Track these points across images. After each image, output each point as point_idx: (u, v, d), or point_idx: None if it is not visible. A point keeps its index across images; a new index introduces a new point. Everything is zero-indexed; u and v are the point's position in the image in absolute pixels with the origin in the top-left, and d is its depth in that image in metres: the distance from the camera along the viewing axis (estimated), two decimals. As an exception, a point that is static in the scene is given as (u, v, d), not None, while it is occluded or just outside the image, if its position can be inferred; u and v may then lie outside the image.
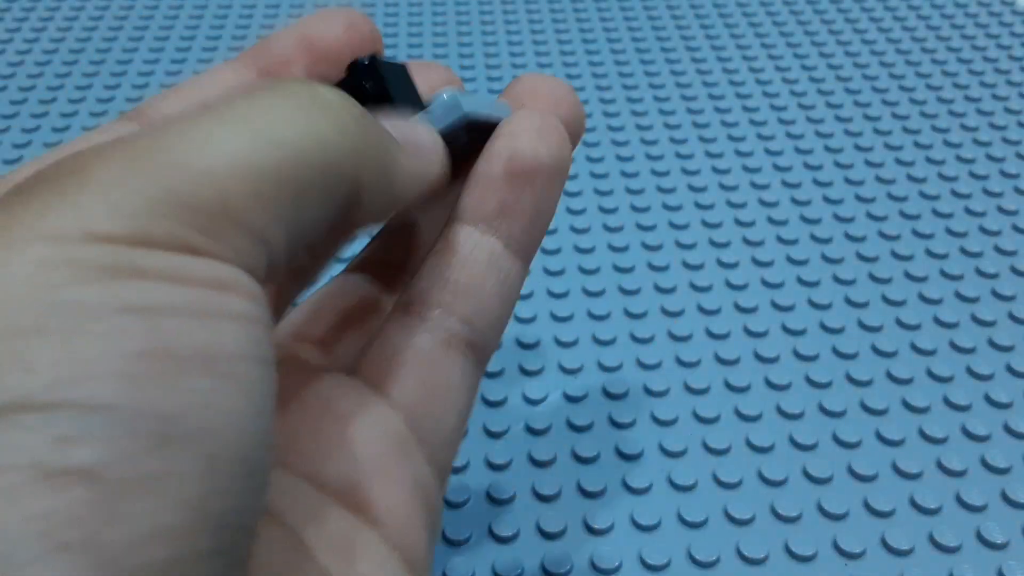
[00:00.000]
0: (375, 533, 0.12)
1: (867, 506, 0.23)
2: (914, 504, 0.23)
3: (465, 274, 0.14)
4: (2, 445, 0.08)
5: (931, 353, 0.28)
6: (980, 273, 0.31)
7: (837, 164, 0.36)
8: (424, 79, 0.15)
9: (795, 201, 0.34)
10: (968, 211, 0.33)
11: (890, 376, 0.27)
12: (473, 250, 0.14)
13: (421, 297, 0.14)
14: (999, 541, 0.23)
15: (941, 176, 0.35)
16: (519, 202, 0.14)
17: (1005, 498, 0.24)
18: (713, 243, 0.32)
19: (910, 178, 0.35)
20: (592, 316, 0.29)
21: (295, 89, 0.11)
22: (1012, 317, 0.29)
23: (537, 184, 0.14)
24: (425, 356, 0.13)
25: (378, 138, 0.12)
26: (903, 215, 0.33)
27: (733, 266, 0.31)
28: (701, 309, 0.29)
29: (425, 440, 0.13)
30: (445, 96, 0.14)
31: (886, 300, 0.30)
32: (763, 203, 0.34)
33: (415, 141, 0.13)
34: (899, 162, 0.36)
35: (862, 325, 0.29)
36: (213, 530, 0.08)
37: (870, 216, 0.33)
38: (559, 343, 0.28)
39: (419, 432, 0.13)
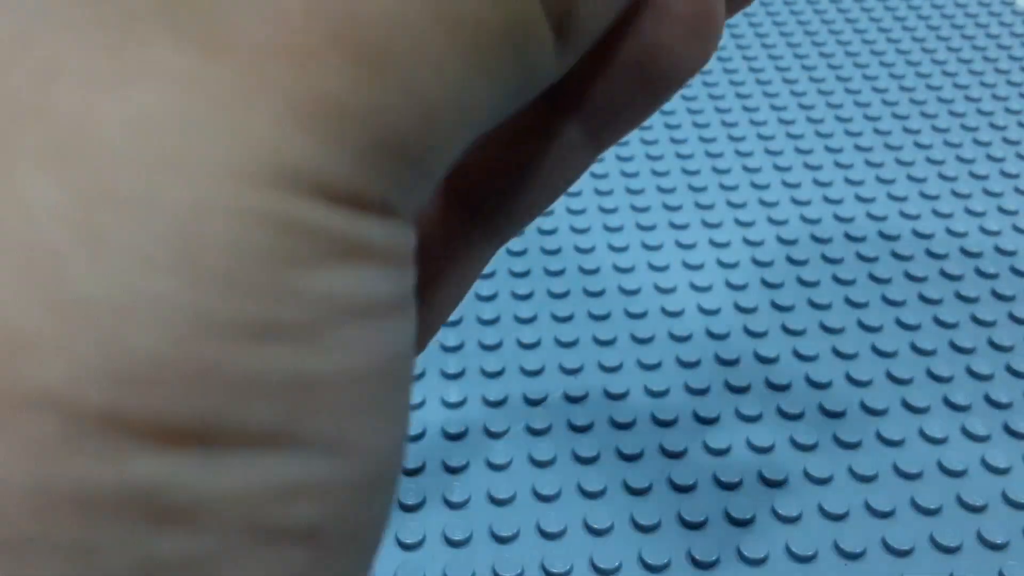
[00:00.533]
0: None
1: (867, 506, 0.23)
2: (914, 504, 0.23)
3: (545, 161, 0.12)
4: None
5: (931, 353, 0.28)
6: (980, 273, 0.31)
7: (837, 164, 0.36)
8: None
9: (795, 201, 0.34)
10: (968, 211, 0.33)
11: (890, 376, 0.27)
12: (559, 135, 0.12)
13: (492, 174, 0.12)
14: (1000, 542, 0.23)
15: (941, 176, 0.35)
16: (630, 108, 0.12)
17: (1005, 498, 0.24)
18: (713, 243, 0.32)
19: (910, 178, 0.35)
20: (592, 316, 0.29)
21: None
22: (1012, 317, 0.29)
23: (658, 94, 0.12)
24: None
25: None
26: (903, 215, 0.33)
27: (733, 266, 0.31)
28: (701, 309, 0.29)
29: None
30: None
31: (886, 300, 0.30)
32: (763, 203, 0.34)
33: None
34: (899, 162, 0.36)
35: (862, 325, 0.29)
36: None
37: (870, 216, 0.33)
38: (559, 343, 0.28)
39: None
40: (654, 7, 0.11)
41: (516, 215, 0.12)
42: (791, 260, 0.31)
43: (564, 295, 0.30)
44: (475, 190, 0.12)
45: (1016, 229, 0.33)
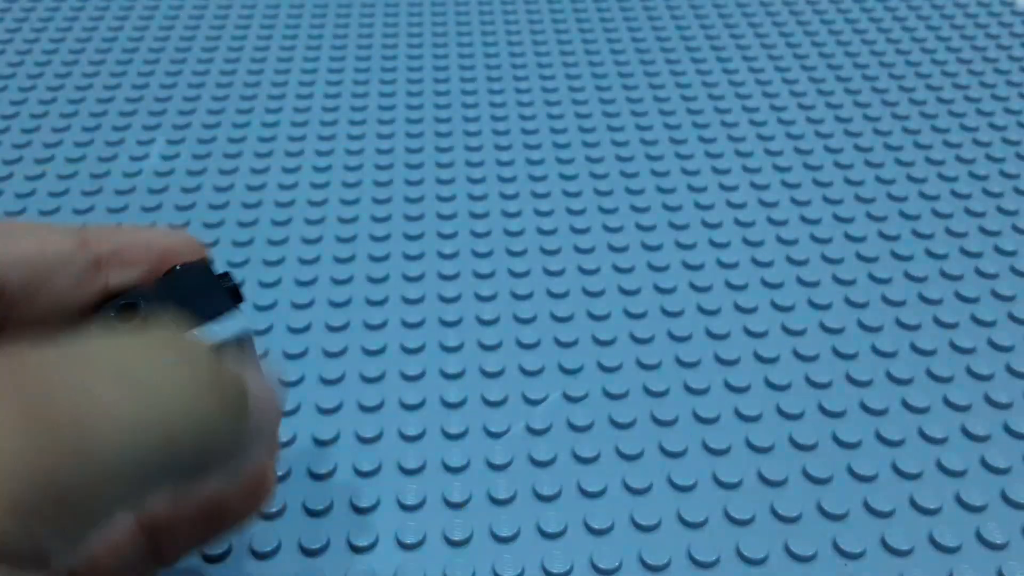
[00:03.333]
0: None
1: (867, 506, 0.23)
2: (914, 504, 0.23)
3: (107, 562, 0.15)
4: None
5: (931, 353, 0.28)
6: (980, 273, 0.31)
7: (837, 164, 0.36)
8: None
9: (795, 201, 0.34)
10: (968, 211, 0.33)
11: (890, 376, 0.27)
12: (124, 547, 0.15)
13: None
14: (999, 541, 0.23)
15: (941, 176, 0.35)
16: (192, 534, 0.16)
17: (1005, 498, 0.24)
18: (713, 243, 0.32)
19: (910, 178, 0.35)
20: (592, 316, 0.29)
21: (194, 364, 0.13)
22: (1012, 317, 0.29)
23: (220, 529, 0.16)
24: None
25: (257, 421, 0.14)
26: (903, 215, 0.33)
27: (733, 266, 0.31)
28: (701, 309, 0.29)
29: None
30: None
31: (886, 300, 0.30)
32: (763, 203, 0.34)
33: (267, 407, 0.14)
34: (899, 162, 0.36)
35: (862, 325, 0.29)
36: None
37: (870, 216, 0.33)
38: (559, 343, 0.28)
39: None
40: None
41: None
42: (791, 260, 0.31)
43: (564, 295, 0.30)
44: None
45: (1016, 229, 0.33)
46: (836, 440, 0.25)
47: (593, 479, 0.24)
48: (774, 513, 0.23)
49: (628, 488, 0.24)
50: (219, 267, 0.19)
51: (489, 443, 0.25)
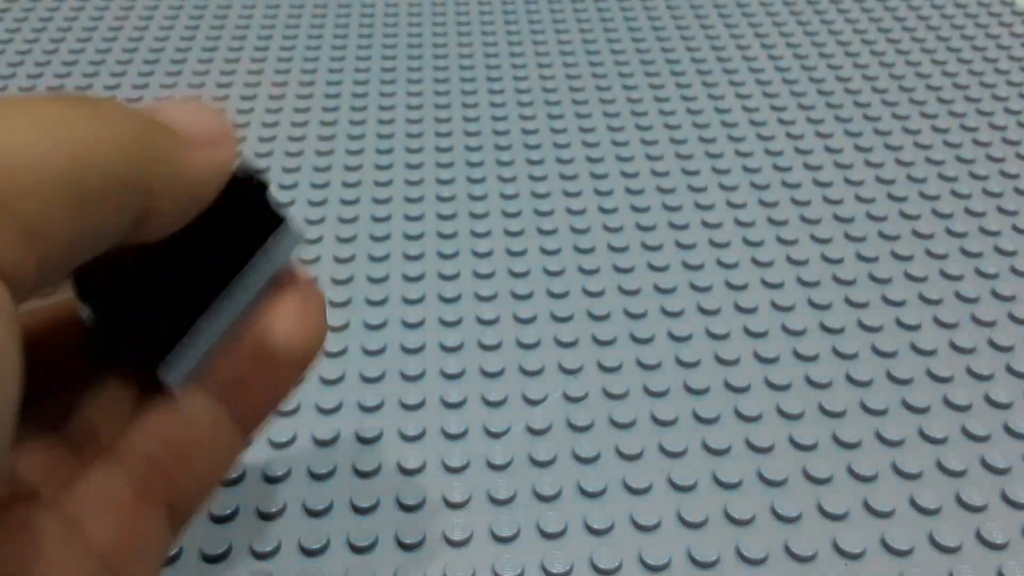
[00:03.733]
0: None
1: (867, 506, 0.23)
2: (914, 504, 0.23)
3: (183, 435, 0.14)
4: None
5: (931, 353, 0.28)
6: (980, 273, 0.31)
7: (837, 164, 0.36)
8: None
9: (795, 201, 0.34)
10: (968, 211, 0.33)
11: (890, 376, 0.27)
12: (198, 413, 0.14)
13: (132, 446, 0.14)
14: (999, 541, 0.23)
15: (941, 176, 0.35)
16: (257, 384, 0.14)
17: (1005, 498, 0.24)
18: (713, 243, 0.32)
19: (910, 178, 0.35)
20: (592, 316, 0.29)
21: (78, 98, 0.11)
22: (1012, 317, 0.29)
23: (281, 373, 0.15)
24: (126, 507, 0.13)
25: (165, 141, 0.12)
26: (903, 215, 0.33)
27: (733, 266, 0.31)
28: (701, 309, 0.29)
29: None
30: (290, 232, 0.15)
31: (886, 300, 0.30)
32: (763, 203, 0.34)
33: (205, 133, 0.13)
34: (899, 162, 0.36)
35: (862, 325, 0.29)
36: None
37: (870, 216, 0.33)
38: (559, 343, 0.28)
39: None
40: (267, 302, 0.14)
41: (192, 501, 0.14)
42: (791, 260, 0.31)
43: (564, 295, 0.30)
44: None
45: (1016, 229, 0.33)
46: (836, 440, 0.25)
47: (593, 479, 0.24)
48: (774, 513, 0.23)
49: (628, 488, 0.24)
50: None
51: (489, 443, 0.25)
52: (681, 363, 0.27)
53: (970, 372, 0.27)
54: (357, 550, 0.22)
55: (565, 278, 0.30)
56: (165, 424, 0.14)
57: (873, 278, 0.30)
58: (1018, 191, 0.34)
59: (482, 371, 0.27)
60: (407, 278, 0.30)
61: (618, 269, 0.31)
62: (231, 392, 0.14)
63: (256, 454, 0.24)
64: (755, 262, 0.31)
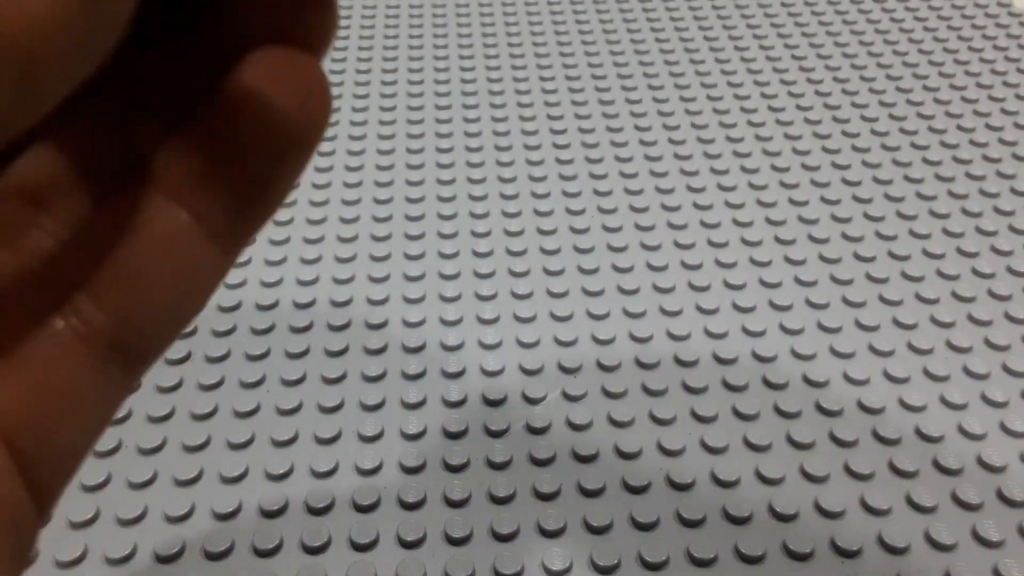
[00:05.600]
0: None
1: (864, 504, 0.24)
2: (910, 502, 0.24)
3: (132, 253, 0.10)
4: None
5: (928, 352, 0.28)
6: (976, 273, 0.31)
7: (834, 165, 0.36)
8: None
9: (793, 202, 0.34)
10: (964, 211, 0.34)
11: (887, 375, 0.27)
12: (151, 222, 0.10)
13: (65, 268, 0.10)
14: (995, 539, 0.23)
15: (938, 177, 0.35)
16: (236, 173, 0.10)
17: (1001, 496, 0.24)
18: (711, 243, 0.32)
19: (907, 179, 0.35)
20: (591, 316, 0.29)
21: None
22: (1008, 317, 0.29)
23: (269, 155, 0.10)
24: (48, 354, 0.10)
25: None
26: (900, 215, 0.33)
27: (731, 266, 0.31)
28: (699, 308, 0.29)
29: (25, 454, 0.10)
30: None
31: (883, 300, 0.30)
32: (761, 203, 0.34)
33: None
34: (896, 163, 0.36)
35: (859, 324, 0.29)
36: None
37: (867, 216, 0.33)
38: (559, 342, 0.28)
39: (18, 444, 0.10)
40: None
41: (148, 342, 0.11)
42: (789, 260, 0.31)
43: (564, 295, 0.30)
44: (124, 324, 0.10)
45: (1012, 229, 0.33)
46: (833, 439, 0.25)
47: (592, 477, 0.24)
48: (771, 511, 0.23)
49: (627, 486, 0.24)
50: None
51: (489, 442, 0.25)
52: (680, 362, 0.27)
53: (966, 371, 0.27)
54: (358, 548, 0.22)
55: (565, 278, 0.31)
56: (107, 236, 0.10)
57: (870, 277, 0.31)
58: (1014, 191, 0.35)
59: (482, 370, 0.27)
60: (408, 278, 0.30)
61: (617, 269, 0.31)
62: (194, 189, 0.10)
63: (258, 455, 0.25)
64: (753, 261, 0.31)
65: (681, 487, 0.24)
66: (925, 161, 0.36)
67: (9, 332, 0.10)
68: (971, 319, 0.29)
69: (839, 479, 0.24)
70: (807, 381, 0.27)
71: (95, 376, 0.10)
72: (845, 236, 0.32)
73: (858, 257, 0.31)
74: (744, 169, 0.36)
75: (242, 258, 0.31)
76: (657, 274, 0.31)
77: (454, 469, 0.24)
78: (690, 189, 0.35)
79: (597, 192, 0.34)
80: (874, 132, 0.38)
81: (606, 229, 0.33)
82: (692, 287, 0.30)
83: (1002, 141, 0.37)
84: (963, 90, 0.40)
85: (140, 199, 0.10)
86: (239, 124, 0.10)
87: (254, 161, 0.10)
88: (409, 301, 0.30)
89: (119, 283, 0.10)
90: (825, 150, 0.37)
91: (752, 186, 0.35)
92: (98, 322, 0.10)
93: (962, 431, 0.26)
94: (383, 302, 0.29)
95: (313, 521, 0.23)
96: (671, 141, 0.37)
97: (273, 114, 0.10)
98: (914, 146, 0.37)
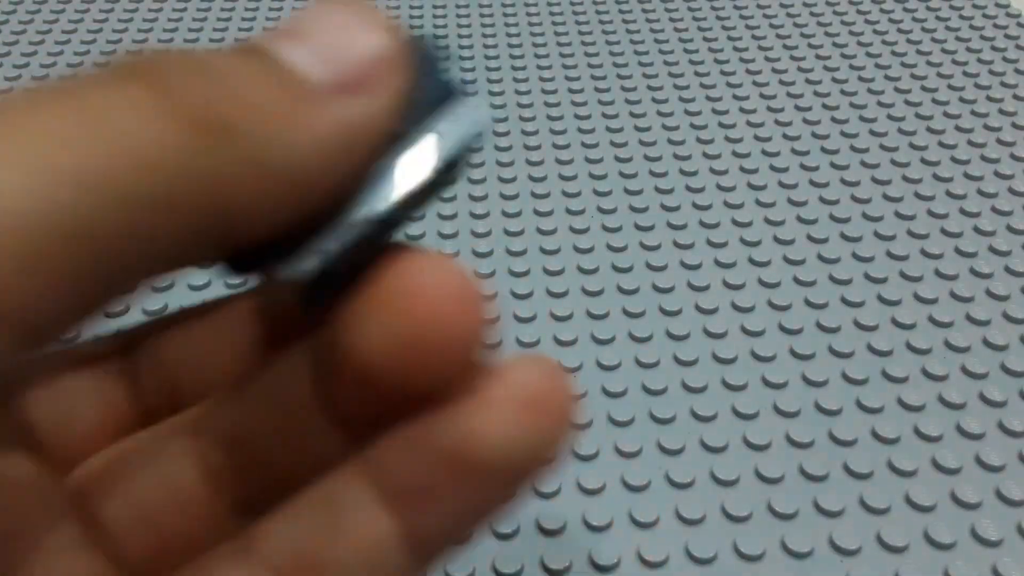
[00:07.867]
0: None
1: (862, 503, 0.24)
2: (909, 501, 0.24)
3: (331, 554, 0.10)
4: None
5: (926, 352, 0.28)
6: (975, 273, 0.31)
7: (833, 165, 0.36)
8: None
9: (792, 202, 0.34)
10: (963, 212, 0.34)
11: (886, 375, 0.27)
12: (360, 524, 0.10)
13: (268, 547, 0.10)
14: (993, 538, 0.23)
15: (936, 177, 0.35)
16: (447, 496, 0.09)
17: (999, 495, 0.24)
18: (711, 243, 0.32)
19: (905, 179, 0.35)
20: (591, 315, 0.29)
21: (88, 90, 0.08)
22: (1006, 316, 0.29)
23: (484, 485, 0.09)
24: None
25: (249, 113, 0.08)
26: (898, 216, 0.33)
27: (730, 265, 0.31)
28: (699, 308, 0.29)
29: None
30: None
31: (881, 300, 0.30)
32: (760, 203, 0.34)
33: (347, 68, 0.09)
34: (895, 163, 0.36)
35: (858, 324, 0.29)
36: None
37: (866, 217, 0.33)
38: (558, 342, 0.28)
39: None
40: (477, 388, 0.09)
41: None
42: (788, 260, 0.31)
43: (563, 295, 0.30)
44: None
45: (1010, 229, 0.33)
46: (832, 438, 0.25)
47: (592, 476, 0.24)
48: (771, 510, 0.24)
49: (626, 485, 0.24)
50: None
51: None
52: (679, 361, 0.28)
53: (965, 371, 0.27)
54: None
55: (565, 278, 0.31)
56: (309, 528, 0.10)
57: (869, 278, 0.31)
58: (1013, 191, 0.35)
59: (482, 370, 0.27)
60: (408, 278, 0.30)
61: (617, 268, 0.31)
62: (409, 501, 0.09)
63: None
64: (752, 261, 0.31)
65: (680, 485, 0.24)
66: (923, 161, 0.36)
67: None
68: (969, 319, 0.29)
69: (838, 478, 0.24)
70: (806, 381, 0.27)
71: None
72: (844, 236, 0.32)
73: (857, 257, 0.32)
74: (743, 169, 0.36)
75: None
76: (657, 274, 0.31)
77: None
78: (689, 189, 0.35)
79: (597, 192, 0.34)
80: (872, 132, 0.38)
81: (606, 229, 0.33)
82: (691, 287, 0.30)
83: (1000, 141, 0.37)
84: (961, 90, 0.40)
85: (346, 491, 0.10)
86: (465, 460, 0.09)
87: (474, 488, 0.09)
88: (409, 301, 0.30)
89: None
90: (824, 150, 0.37)
91: (751, 186, 0.35)
92: None
93: (960, 430, 0.26)
94: (383, 302, 0.30)
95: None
96: (670, 141, 0.37)
97: (502, 458, 0.09)
98: (912, 146, 0.37)
